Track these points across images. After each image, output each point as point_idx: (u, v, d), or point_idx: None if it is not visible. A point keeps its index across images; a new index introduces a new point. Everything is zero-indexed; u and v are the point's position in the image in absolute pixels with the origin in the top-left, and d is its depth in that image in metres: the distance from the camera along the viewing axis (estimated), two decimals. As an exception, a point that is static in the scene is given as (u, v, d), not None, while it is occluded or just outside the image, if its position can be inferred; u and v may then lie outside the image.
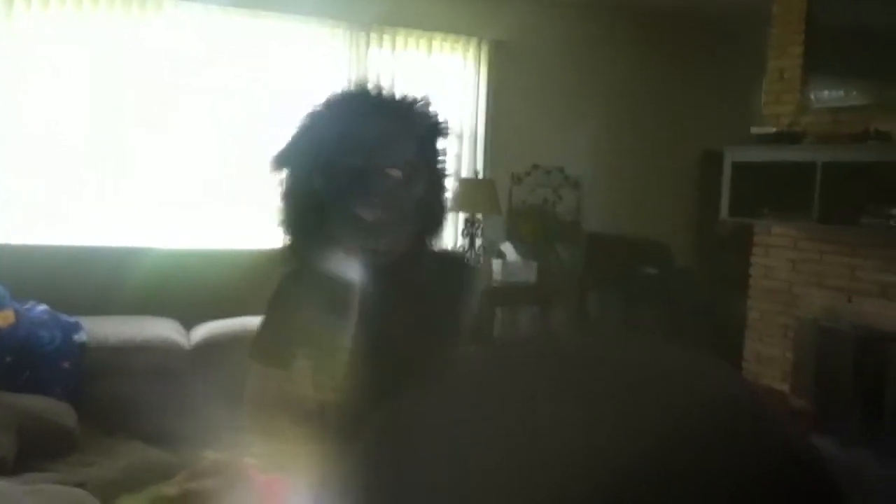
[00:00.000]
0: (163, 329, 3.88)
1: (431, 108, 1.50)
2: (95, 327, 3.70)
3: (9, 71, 4.30)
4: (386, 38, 5.21)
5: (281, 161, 1.48)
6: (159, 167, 4.65)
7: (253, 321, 4.07)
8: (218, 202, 4.82)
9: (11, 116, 4.32)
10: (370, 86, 1.47)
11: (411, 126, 1.45)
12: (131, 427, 3.39)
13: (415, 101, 1.48)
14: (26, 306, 3.69)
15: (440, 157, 1.51)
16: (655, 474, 0.34)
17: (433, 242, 1.56)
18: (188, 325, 4.04)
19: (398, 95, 1.48)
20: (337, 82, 4.87)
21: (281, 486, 3.11)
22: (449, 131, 1.52)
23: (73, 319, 3.66)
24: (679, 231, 5.94)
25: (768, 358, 4.39)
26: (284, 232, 1.51)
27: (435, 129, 1.49)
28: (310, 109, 1.49)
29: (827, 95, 4.07)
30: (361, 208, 1.39)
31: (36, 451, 2.99)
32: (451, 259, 1.64)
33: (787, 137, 4.12)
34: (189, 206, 4.73)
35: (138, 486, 2.92)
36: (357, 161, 1.39)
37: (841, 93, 4.00)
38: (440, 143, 1.50)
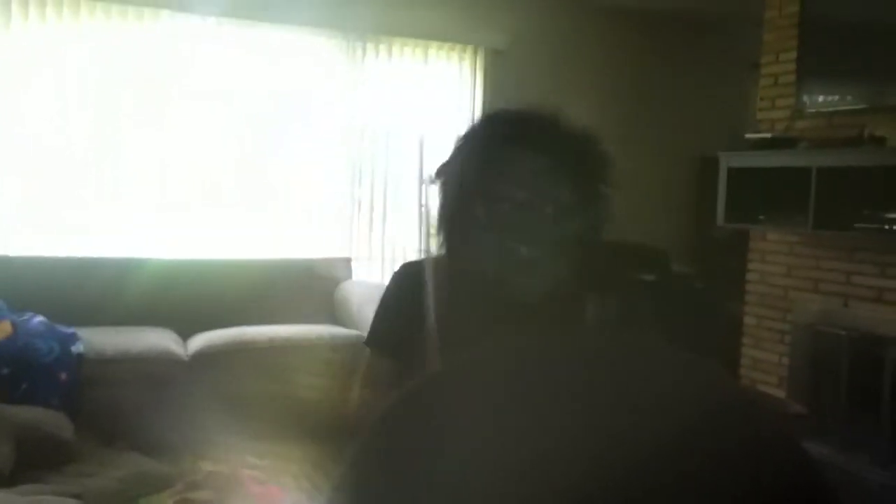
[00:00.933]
0: (160, 339, 3.88)
1: (600, 147, 1.44)
2: (93, 338, 3.71)
3: (4, 81, 4.31)
4: (382, 46, 5.23)
5: (443, 175, 1.47)
6: (156, 177, 4.66)
7: (250, 331, 4.12)
8: (215, 212, 4.83)
9: (6, 127, 4.33)
10: (538, 111, 1.43)
11: (576, 163, 1.41)
12: (129, 437, 3.40)
13: (584, 137, 1.44)
14: (23, 318, 3.70)
15: (602, 199, 1.44)
16: (654, 477, 0.34)
17: (578, 287, 1.53)
18: (185, 335, 4.04)
19: (565, 126, 1.43)
20: (335, 89, 4.93)
21: (277, 496, 3.12)
22: (613, 174, 1.45)
23: (70, 330, 3.67)
24: (676, 236, 5.95)
25: (765, 363, 4.39)
26: (441, 244, 1.49)
27: (600, 169, 1.44)
28: (474, 125, 1.48)
29: (821, 100, 4.07)
30: (517, 242, 1.37)
31: (33, 463, 2.99)
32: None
33: (781, 142, 4.12)
34: (186, 215, 4.74)
35: (135, 496, 2.93)
36: (521, 195, 1.37)
37: (835, 97, 4.01)
38: (603, 186, 1.43)
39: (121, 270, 4.16)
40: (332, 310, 4.56)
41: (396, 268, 1.70)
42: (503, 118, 1.48)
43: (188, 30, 4.67)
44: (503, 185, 1.37)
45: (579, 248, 1.42)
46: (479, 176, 1.40)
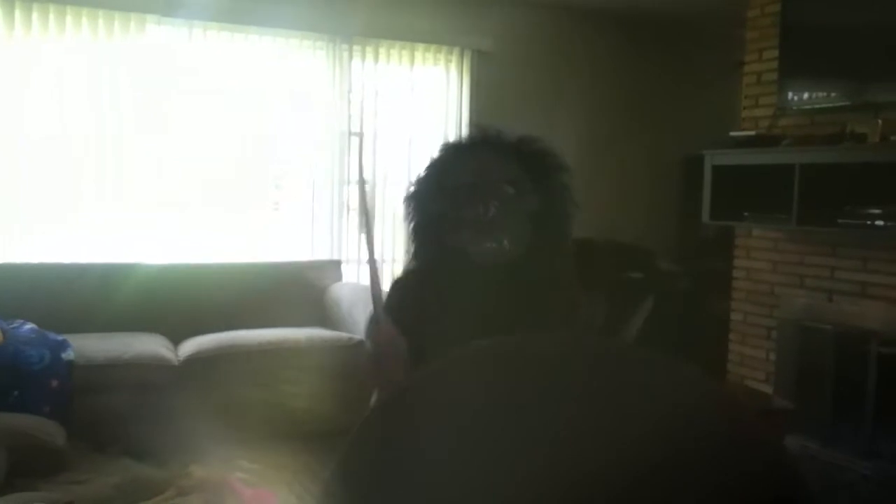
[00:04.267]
0: (151, 345, 3.89)
1: (541, 146, 1.70)
2: (83, 345, 3.71)
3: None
4: (368, 49, 5.24)
5: (411, 195, 1.71)
6: (144, 182, 4.66)
7: (241, 335, 4.12)
8: (205, 216, 4.83)
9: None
10: (484, 131, 1.71)
11: (518, 157, 1.66)
12: (121, 443, 3.40)
13: (523, 140, 1.68)
14: (13, 325, 3.70)
15: (553, 185, 1.68)
16: (635, 476, 0.36)
17: (553, 255, 1.69)
18: (176, 340, 4.05)
19: (510, 137, 1.68)
20: (322, 94, 4.94)
21: (268, 500, 3.13)
22: (561, 167, 1.69)
23: (60, 337, 3.67)
24: (663, 235, 5.98)
25: (752, 359, 4.43)
26: (413, 241, 1.73)
27: (544, 162, 1.68)
28: (433, 156, 1.75)
29: (804, 98, 4.11)
30: (473, 210, 1.60)
31: (25, 471, 2.99)
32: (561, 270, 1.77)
33: (765, 140, 4.16)
34: (175, 220, 4.75)
35: (128, 502, 2.93)
36: (469, 179, 1.62)
37: (817, 95, 4.04)
38: (554, 176, 1.68)
39: (110, 276, 4.16)
40: (322, 312, 4.58)
41: (392, 282, 1.83)
42: (452, 142, 1.76)
43: (174, 38, 4.68)
44: (453, 179, 1.63)
45: (536, 216, 1.63)
46: (436, 181, 1.67)
